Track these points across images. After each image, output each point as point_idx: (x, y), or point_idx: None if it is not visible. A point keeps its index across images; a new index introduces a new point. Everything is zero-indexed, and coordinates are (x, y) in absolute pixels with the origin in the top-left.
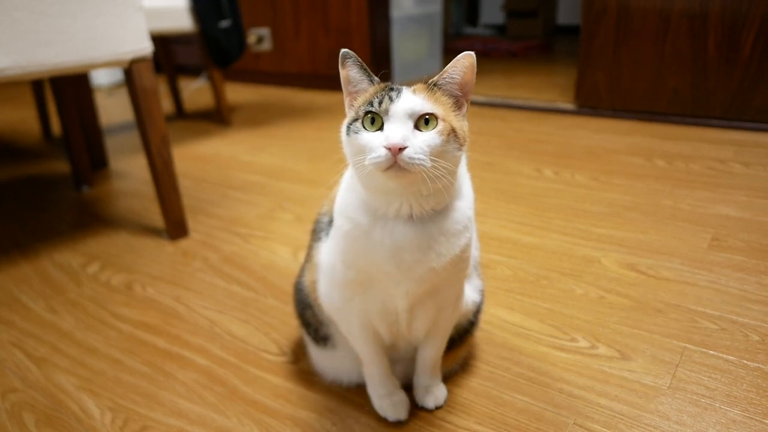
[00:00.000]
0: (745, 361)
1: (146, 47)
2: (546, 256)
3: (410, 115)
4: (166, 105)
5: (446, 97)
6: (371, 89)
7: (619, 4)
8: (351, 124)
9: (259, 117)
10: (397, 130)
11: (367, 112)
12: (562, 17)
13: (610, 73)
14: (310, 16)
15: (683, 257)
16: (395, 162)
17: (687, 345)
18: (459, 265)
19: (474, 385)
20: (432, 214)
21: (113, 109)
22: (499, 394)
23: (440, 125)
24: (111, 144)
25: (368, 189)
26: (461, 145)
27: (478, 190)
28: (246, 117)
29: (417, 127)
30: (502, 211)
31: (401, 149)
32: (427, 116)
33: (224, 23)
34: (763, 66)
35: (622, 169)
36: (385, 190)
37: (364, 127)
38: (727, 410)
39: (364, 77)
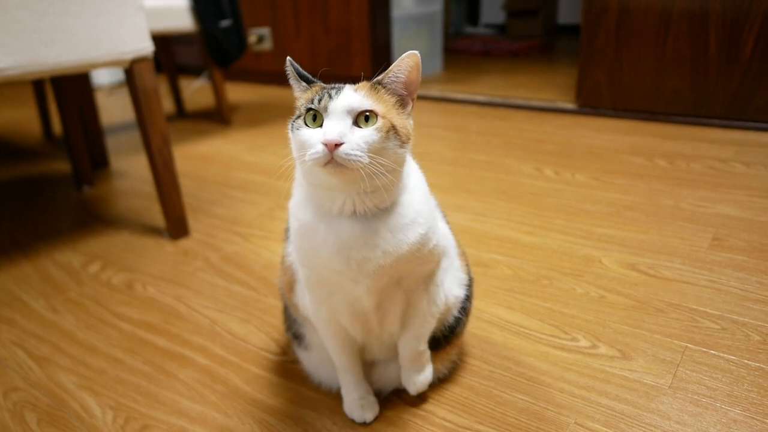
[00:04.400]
0: (746, 361)
1: (147, 47)
2: (546, 255)
3: (349, 112)
4: (167, 105)
5: (389, 96)
6: (315, 88)
7: (619, 4)
8: (294, 121)
9: (260, 116)
10: (334, 126)
11: (308, 109)
12: (562, 17)
13: (611, 73)
14: (310, 16)
15: (684, 257)
16: (332, 158)
17: (688, 345)
18: (415, 261)
19: (474, 385)
20: (376, 211)
21: (114, 109)
22: (499, 394)
23: (379, 122)
24: (112, 143)
25: (311, 185)
26: (403, 143)
27: (478, 190)
28: (246, 116)
29: (357, 124)
30: (503, 210)
31: (338, 145)
32: (367, 113)
33: (225, 23)
34: (764, 65)
35: (623, 168)
36: (328, 186)
37: (306, 124)
38: (728, 410)
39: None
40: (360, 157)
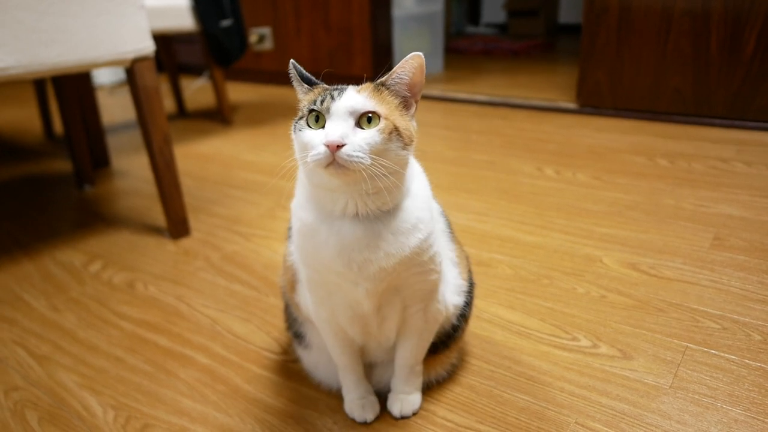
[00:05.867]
0: (747, 361)
1: (148, 46)
2: (547, 255)
3: (351, 113)
4: (168, 104)
5: (393, 97)
6: (317, 89)
7: (620, 3)
8: (297, 122)
9: (261, 116)
10: (336, 127)
11: (311, 110)
12: (563, 16)
13: (612, 72)
14: (311, 16)
15: (685, 256)
16: (334, 159)
17: (689, 344)
18: (415, 268)
19: (475, 384)
20: (379, 213)
21: (115, 108)
22: (500, 393)
23: (382, 123)
24: (113, 143)
25: (314, 186)
26: (406, 145)
27: (479, 189)
28: (247, 116)
29: (360, 125)
30: (504, 210)
31: (339, 146)
32: (369, 114)
33: (225, 22)
34: (766, 65)
35: (624, 168)
36: (330, 187)
37: (308, 125)
38: (728, 410)
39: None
40: (361, 158)
